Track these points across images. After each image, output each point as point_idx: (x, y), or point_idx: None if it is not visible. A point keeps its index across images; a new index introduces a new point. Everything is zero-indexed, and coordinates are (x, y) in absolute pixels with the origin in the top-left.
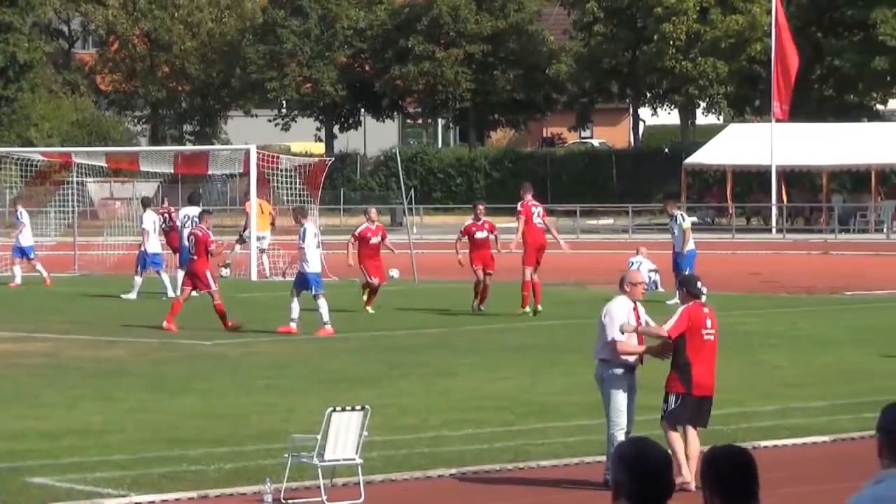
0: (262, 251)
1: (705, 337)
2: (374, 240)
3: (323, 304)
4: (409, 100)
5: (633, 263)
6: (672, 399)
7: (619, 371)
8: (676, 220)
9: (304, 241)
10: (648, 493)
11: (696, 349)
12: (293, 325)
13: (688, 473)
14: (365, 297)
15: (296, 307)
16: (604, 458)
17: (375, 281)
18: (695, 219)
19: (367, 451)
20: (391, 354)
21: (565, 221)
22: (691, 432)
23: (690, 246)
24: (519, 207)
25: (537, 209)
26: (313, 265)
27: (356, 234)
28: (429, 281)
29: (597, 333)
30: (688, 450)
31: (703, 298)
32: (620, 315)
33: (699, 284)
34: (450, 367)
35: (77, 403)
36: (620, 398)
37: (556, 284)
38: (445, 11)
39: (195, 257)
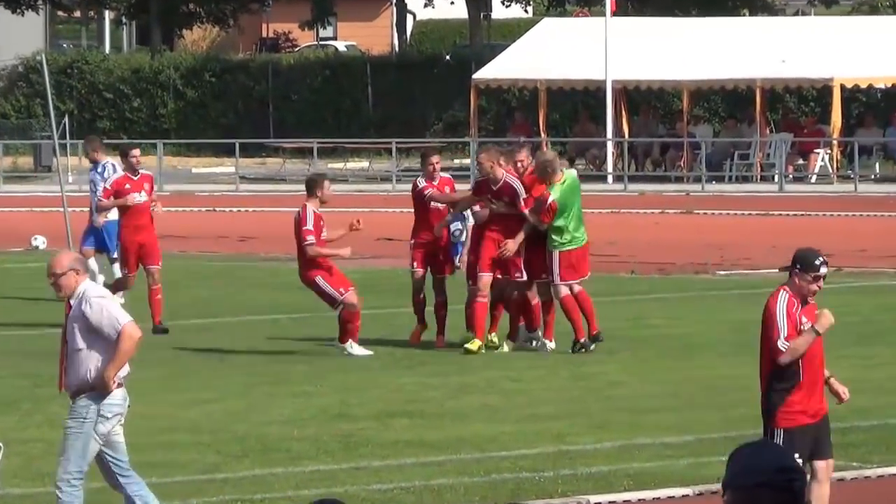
0: None
1: None
2: None
3: None
4: None
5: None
6: None
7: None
8: (102, 170)
9: None
10: None
11: None
12: None
13: None
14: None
15: None
16: None
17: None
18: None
19: None
20: (36, 364)
21: (296, 164)
22: None
23: (112, 215)
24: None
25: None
26: None
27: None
28: None
29: None
30: None
31: None
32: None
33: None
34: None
35: None
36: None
37: (268, 260)
38: None
39: None
